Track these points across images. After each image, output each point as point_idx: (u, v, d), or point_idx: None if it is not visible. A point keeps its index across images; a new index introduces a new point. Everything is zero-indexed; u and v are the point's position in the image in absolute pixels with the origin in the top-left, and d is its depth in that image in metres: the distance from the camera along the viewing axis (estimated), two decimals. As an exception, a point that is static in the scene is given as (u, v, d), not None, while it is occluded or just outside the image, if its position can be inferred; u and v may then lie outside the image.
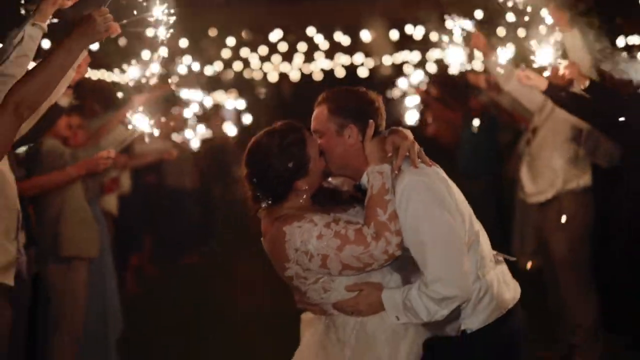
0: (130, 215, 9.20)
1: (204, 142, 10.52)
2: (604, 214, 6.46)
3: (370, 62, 14.63)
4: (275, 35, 13.29)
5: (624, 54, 5.06)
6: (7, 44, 3.71)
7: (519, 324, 3.47)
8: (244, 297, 8.83)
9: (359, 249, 3.18)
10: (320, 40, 13.38)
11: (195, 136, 9.13)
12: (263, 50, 13.85)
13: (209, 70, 13.38)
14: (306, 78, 15.64)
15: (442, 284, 3.18)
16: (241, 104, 13.77)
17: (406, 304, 3.25)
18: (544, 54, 5.55)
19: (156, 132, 4.98)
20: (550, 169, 6.33)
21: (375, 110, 3.44)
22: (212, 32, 12.22)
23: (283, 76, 15.64)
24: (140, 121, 4.85)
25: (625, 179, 5.65)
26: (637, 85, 5.12)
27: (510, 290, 3.49)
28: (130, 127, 5.01)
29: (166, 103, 7.29)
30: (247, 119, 13.53)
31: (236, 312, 8.19)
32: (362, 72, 14.84)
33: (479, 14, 6.68)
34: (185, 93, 8.49)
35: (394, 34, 13.10)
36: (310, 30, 13.15)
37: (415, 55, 13.74)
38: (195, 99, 8.93)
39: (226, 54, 13.46)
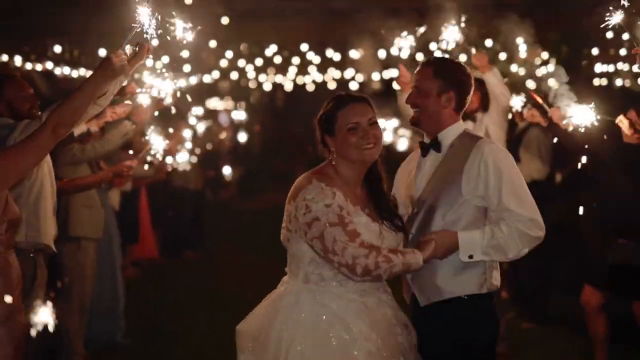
0: (130, 209, 10.12)
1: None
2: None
3: (360, 77, 15.32)
4: (271, 49, 14.03)
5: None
6: None
7: None
8: (232, 285, 9.78)
9: (343, 238, 3.54)
10: (312, 55, 14.11)
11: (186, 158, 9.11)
12: (259, 62, 14.54)
13: (207, 79, 14.19)
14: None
15: (535, 225, 3.79)
16: (241, 114, 14.49)
17: (492, 243, 3.76)
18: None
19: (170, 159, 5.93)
20: None
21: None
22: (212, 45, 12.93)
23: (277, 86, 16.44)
24: (156, 140, 5.75)
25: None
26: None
27: None
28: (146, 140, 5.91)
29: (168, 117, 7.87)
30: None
31: (224, 297, 9.12)
32: (353, 86, 15.56)
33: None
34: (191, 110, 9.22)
35: (382, 53, 13.78)
36: (303, 47, 13.91)
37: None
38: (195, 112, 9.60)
39: (224, 64, 14.17)
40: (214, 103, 16.27)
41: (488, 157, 3.86)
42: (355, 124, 3.74)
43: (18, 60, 12.41)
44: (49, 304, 3.39)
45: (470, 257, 3.78)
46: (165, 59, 8.36)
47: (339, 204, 3.60)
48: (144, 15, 4.00)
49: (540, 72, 14.05)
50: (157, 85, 5.62)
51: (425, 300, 3.94)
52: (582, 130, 5.15)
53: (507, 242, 3.78)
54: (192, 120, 9.77)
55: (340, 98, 3.84)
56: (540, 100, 6.08)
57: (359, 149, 3.74)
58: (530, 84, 12.60)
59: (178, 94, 5.71)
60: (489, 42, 12.83)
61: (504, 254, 3.82)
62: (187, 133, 9.16)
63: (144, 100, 5.93)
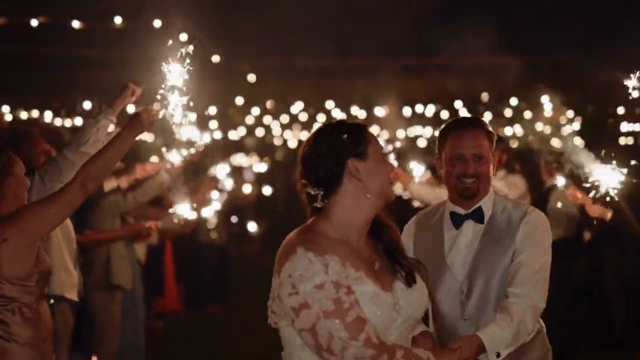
0: (156, 262, 10.16)
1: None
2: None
3: (385, 134, 15.43)
4: (297, 107, 14.19)
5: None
6: (86, 128, 4.64)
7: None
8: (255, 339, 9.71)
9: (343, 334, 2.70)
10: (337, 113, 14.23)
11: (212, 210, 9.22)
12: (284, 118, 14.70)
13: (233, 135, 14.34)
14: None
15: (537, 314, 3.46)
16: (262, 166, 14.67)
17: (520, 327, 3.33)
18: None
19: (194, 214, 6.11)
20: None
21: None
22: (239, 101, 13.11)
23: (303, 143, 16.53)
24: (185, 210, 5.91)
25: None
26: None
27: None
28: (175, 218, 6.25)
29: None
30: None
31: (247, 351, 9.07)
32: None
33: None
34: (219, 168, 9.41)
35: (407, 111, 13.89)
36: (329, 104, 14.06)
37: (427, 130, 14.60)
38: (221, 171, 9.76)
39: (250, 121, 14.35)
40: (239, 159, 16.40)
41: (533, 224, 3.62)
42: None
43: (48, 115, 12.62)
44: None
45: (498, 355, 3.26)
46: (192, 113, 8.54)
47: (333, 280, 2.72)
48: (175, 73, 4.10)
49: (566, 130, 14.14)
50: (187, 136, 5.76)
51: None
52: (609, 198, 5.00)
53: (524, 325, 3.38)
54: (218, 176, 9.86)
55: (359, 126, 2.99)
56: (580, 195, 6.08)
57: (389, 182, 3.00)
58: (555, 143, 12.67)
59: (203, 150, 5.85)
60: (513, 101, 12.93)
61: (525, 336, 3.40)
62: (213, 189, 9.26)
63: (173, 156, 6.11)
